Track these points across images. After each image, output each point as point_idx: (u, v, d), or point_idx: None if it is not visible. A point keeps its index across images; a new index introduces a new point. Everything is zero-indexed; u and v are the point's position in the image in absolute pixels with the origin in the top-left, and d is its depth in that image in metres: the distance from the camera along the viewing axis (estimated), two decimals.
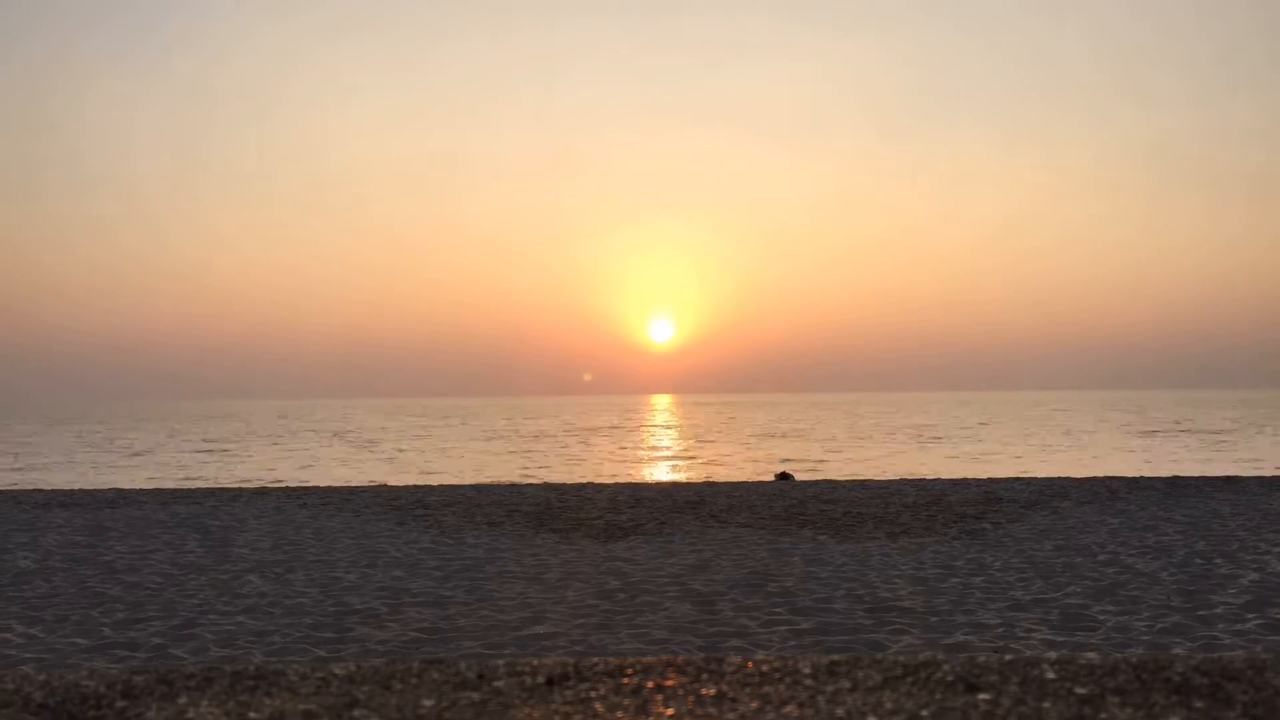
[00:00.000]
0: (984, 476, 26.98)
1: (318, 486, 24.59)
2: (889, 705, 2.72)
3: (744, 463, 45.98)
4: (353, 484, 28.83)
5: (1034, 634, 8.34)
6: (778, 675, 3.01)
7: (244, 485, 27.59)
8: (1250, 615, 8.91)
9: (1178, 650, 7.77)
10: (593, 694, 2.88)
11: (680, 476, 39.14)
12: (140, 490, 23.14)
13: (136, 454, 51.41)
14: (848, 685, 2.91)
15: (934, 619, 8.92)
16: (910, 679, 2.96)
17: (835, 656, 3.21)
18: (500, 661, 3.21)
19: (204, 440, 62.44)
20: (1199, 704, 2.72)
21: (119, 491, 22.38)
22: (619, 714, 2.70)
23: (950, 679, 2.95)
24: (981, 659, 3.16)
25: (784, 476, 23.25)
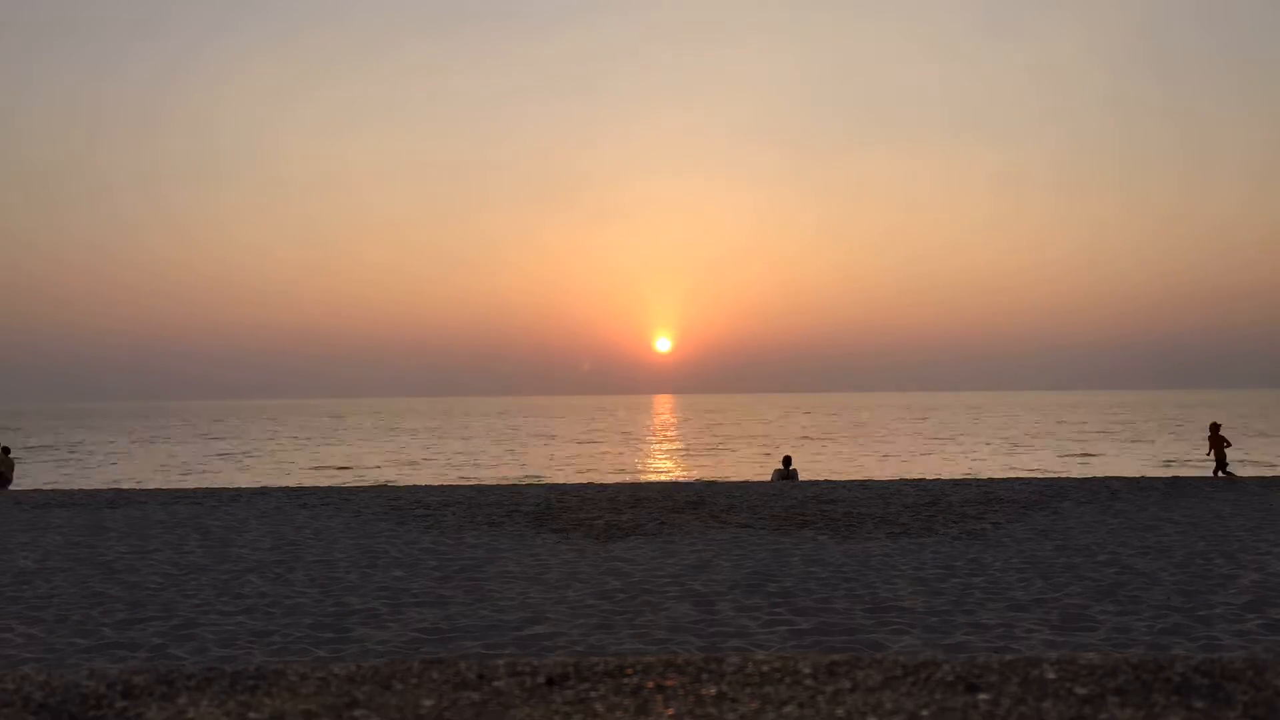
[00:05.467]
0: (984, 477, 26.98)
1: (318, 486, 24.59)
2: (889, 705, 2.72)
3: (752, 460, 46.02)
4: (352, 484, 28.83)
5: (1034, 634, 8.34)
6: (778, 675, 3.01)
7: (244, 485, 27.58)
8: (1250, 615, 8.90)
9: (1178, 650, 7.77)
10: (593, 694, 2.88)
11: (680, 476, 39.15)
12: (140, 490, 23.14)
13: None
14: (848, 685, 2.91)
15: (934, 619, 8.92)
16: (910, 679, 2.96)
17: (835, 656, 3.20)
18: (500, 661, 3.21)
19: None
20: (1199, 704, 2.72)
21: (119, 491, 22.37)
22: (619, 714, 2.70)
23: (950, 679, 2.95)
24: (981, 659, 3.15)
25: (786, 461, 23.40)
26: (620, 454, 54.50)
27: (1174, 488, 19.91)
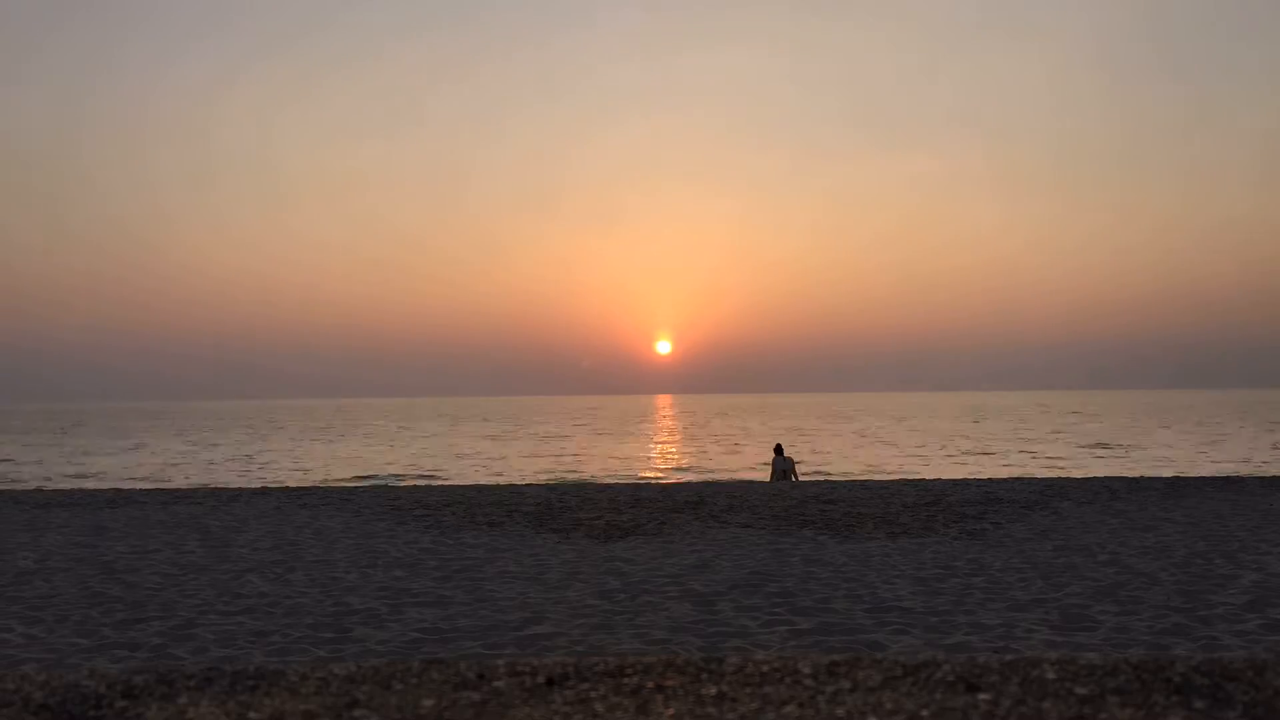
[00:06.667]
0: (984, 477, 26.98)
1: (318, 487, 24.59)
2: (889, 705, 2.72)
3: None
4: (352, 484, 28.83)
5: (1034, 634, 8.33)
6: (778, 675, 3.01)
7: (244, 485, 27.58)
8: (1250, 615, 8.90)
9: (1178, 650, 7.76)
10: (593, 694, 2.88)
11: (680, 476, 39.15)
12: (140, 490, 23.14)
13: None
14: (848, 685, 2.91)
15: (934, 619, 8.92)
16: (910, 679, 2.96)
17: (835, 656, 3.20)
18: (500, 661, 3.21)
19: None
20: (1199, 704, 2.71)
21: (119, 491, 22.37)
22: (619, 714, 2.70)
23: (950, 679, 2.94)
24: (981, 659, 3.15)
25: (778, 449, 23.48)
26: (622, 454, 54.52)
27: (1174, 488, 19.91)
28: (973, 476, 27.80)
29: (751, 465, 44.35)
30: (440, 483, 29.95)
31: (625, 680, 2.99)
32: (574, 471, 42.23)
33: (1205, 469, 39.27)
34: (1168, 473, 35.23)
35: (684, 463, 48.54)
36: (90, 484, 35.20)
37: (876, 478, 28.52)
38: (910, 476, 29.63)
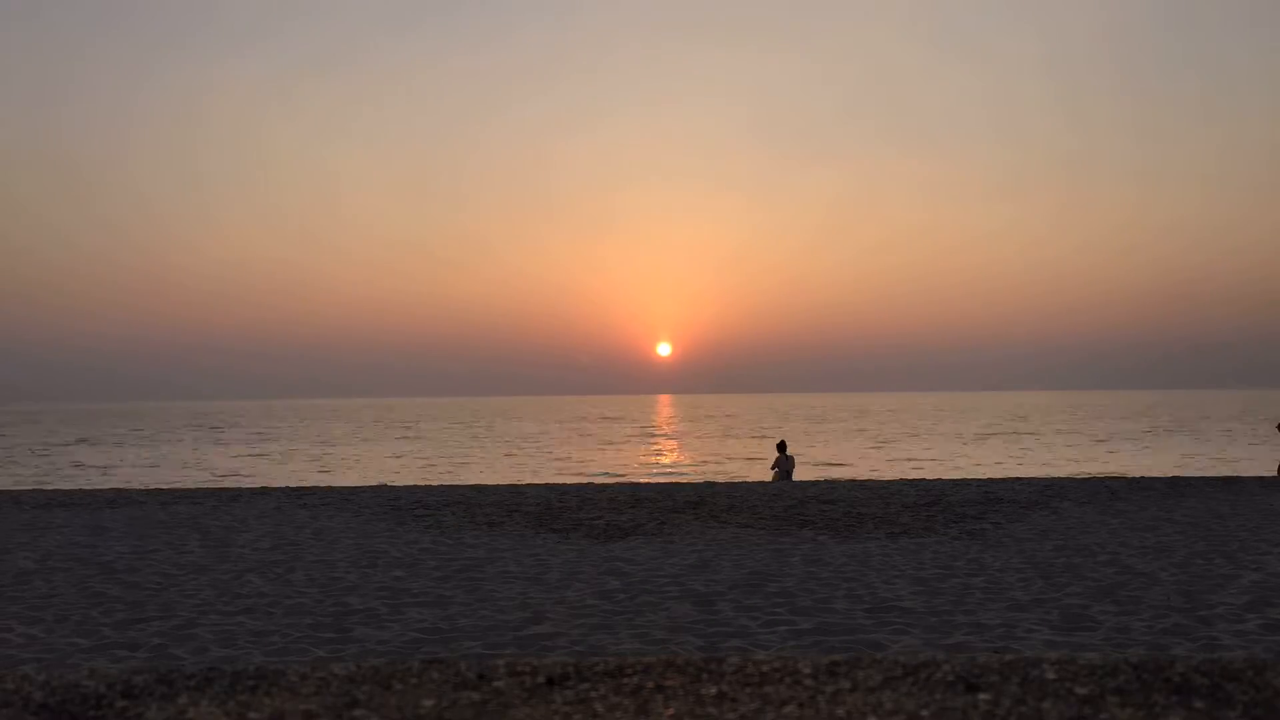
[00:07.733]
0: (984, 477, 26.98)
1: (318, 487, 24.58)
2: (889, 705, 2.72)
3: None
4: (352, 484, 28.84)
5: (1034, 634, 8.34)
6: (778, 675, 3.01)
7: (243, 485, 27.57)
8: (1250, 615, 8.90)
9: (1178, 650, 7.76)
10: (593, 694, 2.88)
11: (680, 476, 39.15)
12: (140, 490, 23.13)
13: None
14: (848, 685, 2.91)
15: (934, 619, 8.92)
16: (910, 679, 2.96)
17: (835, 656, 3.20)
18: (500, 661, 3.21)
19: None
20: (1199, 704, 2.72)
21: (119, 491, 22.37)
22: (619, 714, 2.70)
23: (950, 679, 2.94)
24: (981, 659, 3.15)
25: (781, 446, 23.47)
26: (620, 454, 54.54)
27: (1174, 488, 19.91)
28: (973, 476, 27.80)
29: (751, 465, 44.36)
30: (440, 483, 29.94)
31: (625, 680, 3.00)
32: (579, 469, 42.24)
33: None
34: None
35: (684, 463, 48.54)
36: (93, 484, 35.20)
37: (876, 477, 28.51)
38: (910, 476, 29.62)
